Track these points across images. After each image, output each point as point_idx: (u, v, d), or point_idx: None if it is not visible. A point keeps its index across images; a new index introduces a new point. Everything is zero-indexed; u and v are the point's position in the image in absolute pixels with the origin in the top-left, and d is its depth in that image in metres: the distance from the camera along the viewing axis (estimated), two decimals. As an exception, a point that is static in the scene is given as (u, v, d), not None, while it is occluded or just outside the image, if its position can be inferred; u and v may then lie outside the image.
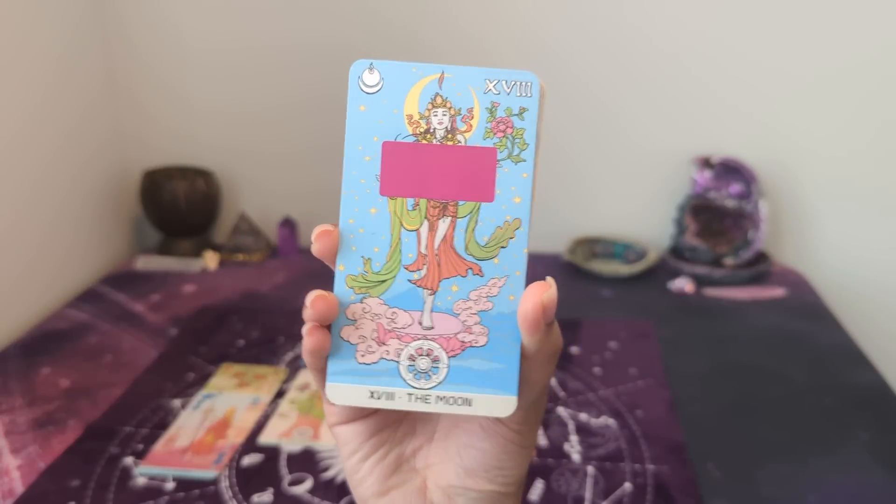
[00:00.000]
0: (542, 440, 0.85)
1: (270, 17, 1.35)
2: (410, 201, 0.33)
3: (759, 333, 1.10)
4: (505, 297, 0.33)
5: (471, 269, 0.33)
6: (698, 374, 0.99)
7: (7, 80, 1.13)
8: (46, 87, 1.22)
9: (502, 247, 0.33)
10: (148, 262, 1.37)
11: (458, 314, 0.33)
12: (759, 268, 1.28)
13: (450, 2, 1.32)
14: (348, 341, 0.33)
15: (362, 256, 0.34)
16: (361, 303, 0.33)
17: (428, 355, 0.33)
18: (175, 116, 1.44)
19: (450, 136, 0.33)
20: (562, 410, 0.91)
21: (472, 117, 0.33)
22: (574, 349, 1.06)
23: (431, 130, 0.33)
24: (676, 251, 1.34)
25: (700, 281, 1.28)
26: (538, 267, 1.35)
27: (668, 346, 1.06)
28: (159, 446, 0.84)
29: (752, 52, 1.29)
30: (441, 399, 0.32)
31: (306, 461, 0.81)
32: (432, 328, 0.33)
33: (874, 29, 1.25)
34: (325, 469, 0.80)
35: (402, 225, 0.33)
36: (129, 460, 0.82)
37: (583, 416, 0.89)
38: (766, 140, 1.34)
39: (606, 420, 0.89)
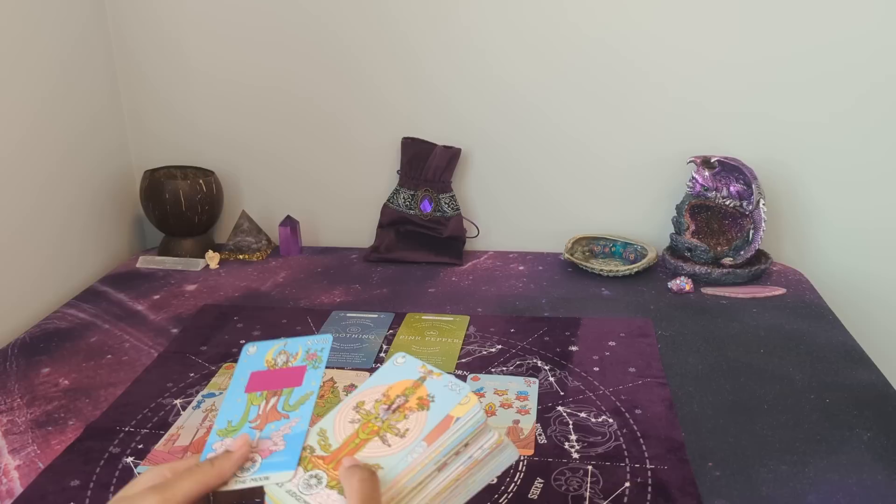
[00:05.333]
0: (542, 439, 0.85)
1: (272, 19, 1.35)
2: (259, 393, 0.60)
3: (758, 332, 1.10)
4: (298, 426, 0.56)
5: (283, 417, 0.57)
6: (697, 373, 0.99)
7: (12, 80, 1.13)
8: (50, 86, 1.23)
9: (301, 404, 0.58)
10: (149, 262, 1.38)
11: (271, 437, 0.56)
12: (759, 267, 1.28)
13: (445, 9, 1.32)
14: None
15: (228, 420, 0.58)
16: (222, 441, 0.56)
17: (251, 460, 0.54)
18: (176, 116, 1.45)
19: (284, 364, 0.62)
20: (561, 409, 0.91)
21: (297, 355, 0.62)
22: (573, 348, 1.06)
23: (276, 364, 0.62)
24: (675, 250, 1.34)
25: (699, 280, 1.28)
26: (538, 266, 1.36)
27: (668, 345, 1.06)
28: (160, 446, 0.84)
29: (752, 51, 1.28)
30: (252, 479, 0.53)
31: (306, 460, 0.81)
32: (257, 446, 0.55)
33: (873, 28, 1.24)
34: (325, 468, 0.81)
35: (251, 403, 0.59)
36: (129, 460, 0.82)
37: (582, 415, 0.89)
38: (766, 140, 1.34)
39: (606, 419, 0.89)
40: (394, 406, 0.55)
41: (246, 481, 0.52)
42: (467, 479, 0.52)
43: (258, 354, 0.63)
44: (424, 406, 0.54)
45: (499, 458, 0.54)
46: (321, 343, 0.62)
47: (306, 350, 0.61)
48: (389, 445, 0.53)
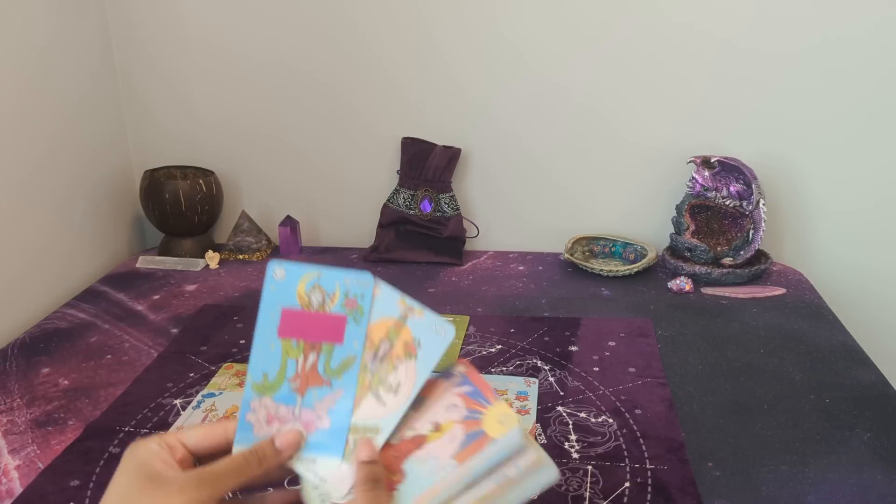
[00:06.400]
0: (542, 439, 0.85)
1: (273, 20, 1.35)
2: (294, 341, 0.53)
3: (758, 332, 1.10)
4: (342, 400, 0.52)
5: (325, 383, 0.52)
6: (697, 373, 0.99)
7: (12, 81, 1.13)
8: (50, 85, 1.23)
9: (344, 371, 0.52)
10: (149, 262, 1.38)
11: (315, 409, 0.52)
12: (759, 267, 1.28)
13: (460, 12, 1.32)
14: (248, 422, 0.52)
15: (263, 372, 0.52)
16: (259, 399, 0.52)
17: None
18: (176, 116, 1.45)
19: (321, 307, 0.53)
20: (561, 409, 0.91)
21: (335, 297, 0.53)
22: (573, 348, 1.06)
23: (310, 303, 0.53)
24: (675, 250, 1.34)
25: (699, 280, 1.28)
26: (538, 266, 1.36)
27: (667, 345, 1.06)
28: (159, 446, 0.84)
29: (752, 51, 1.28)
30: (297, 460, 0.51)
31: (306, 461, 0.81)
32: (300, 416, 0.52)
33: (873, 27, 1.24)
34: (325, 468, 0.80)
35: (288, 355, 0.52)
36: (128, 460, 0.82)
37: (582, 415, 0.89)
38: (766, 139, 1.34)
39: (606, 419, 0.89)
40: (380, 353, 0.52)
41: (292, 461, 0.51)
42: (498, 498, 0.49)
43: (287, 283, 0.53)
44: (412, 353, 0.51)
45: (535, 479, 0.49)
46: (361, 286, 0.53)
47: (345, 292, 0.53)
48: (384, 404, 0.51)
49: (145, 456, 0.47)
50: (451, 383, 0.53)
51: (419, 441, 0.51)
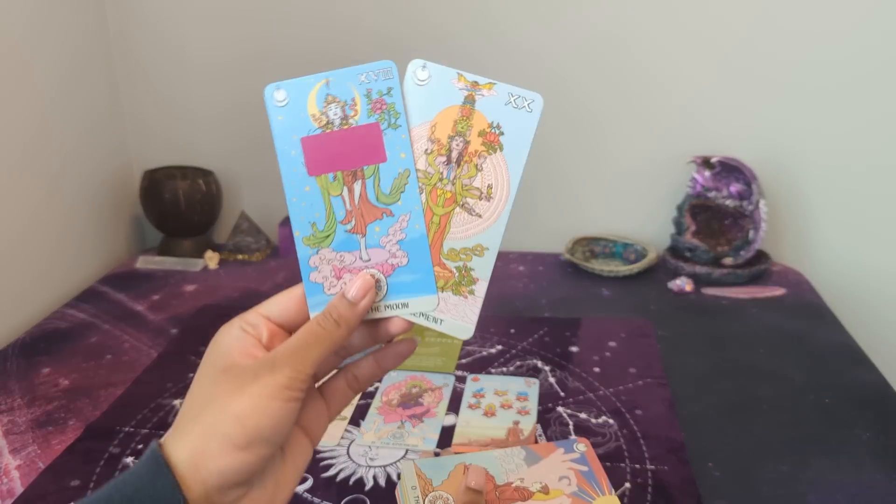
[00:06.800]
0: (542, 440, 0.85)
1: (272, 20, 1.35)
2: (331, 175, 0.44)
3: (758, 333, 1.10)
4: (412, 226, 0.44)
5: (384, 212, 0.44)
6: (698, 374, 0.99)
7: (13, 81, 1.13)
8: (51, 87, 1.22)
9: (401, 192, 0.44)
10: (148, 262, 1.37)
11: (385, 246, 0.44)
12: (759, 267, 1.28)
13: (438, 12, 1.32)
14: (316, 283, 0.45)
15: (310, 222, 0.45)
16: (318, 254, 0.45)
17: (376, 281, 0.44)
18: (176, 116, 1.45)
19: (344, 122, 0.43)
20: (561, 410, 0.91)
21: (356, 103, 0.43)
22: (573, 349, 1.06)
23: (330, 121, 0.43)
24: (676, 250, 1.34)
25: (699, 280, 1.28)
26: (539, 266, 1.36)
27: (668, 346, 1.06)
28: (159, 446, 0.84)
29: (752, 51, 1.29)
30: (387, 307, 0.44)
31: (306, 461, 0.81)
32: (370, 260, 0.44)
33: (874, 27, 1.24)
34: (326, 468, 0.80)
35: (329, 193, 0.44)
36: (129, 460, 0.82)
37: (582, 416, 0.89)
38: (766, 140, 1.34)
39: (606, 419, 0.89)
40: (454, 155, 0.43)
41: (381, 310, 0.44)
42: None
43: (295, 105, 0.43)
44: (494, 144, 0.43)
45: None
46: (383, 78, 0.43)
47: (366, 93, 0.43)
48: (479, 215, 0.44)
49: (225, 345, 0.44)
50: (568, 456, 0.52)
51: (525, 494, 0.50)
